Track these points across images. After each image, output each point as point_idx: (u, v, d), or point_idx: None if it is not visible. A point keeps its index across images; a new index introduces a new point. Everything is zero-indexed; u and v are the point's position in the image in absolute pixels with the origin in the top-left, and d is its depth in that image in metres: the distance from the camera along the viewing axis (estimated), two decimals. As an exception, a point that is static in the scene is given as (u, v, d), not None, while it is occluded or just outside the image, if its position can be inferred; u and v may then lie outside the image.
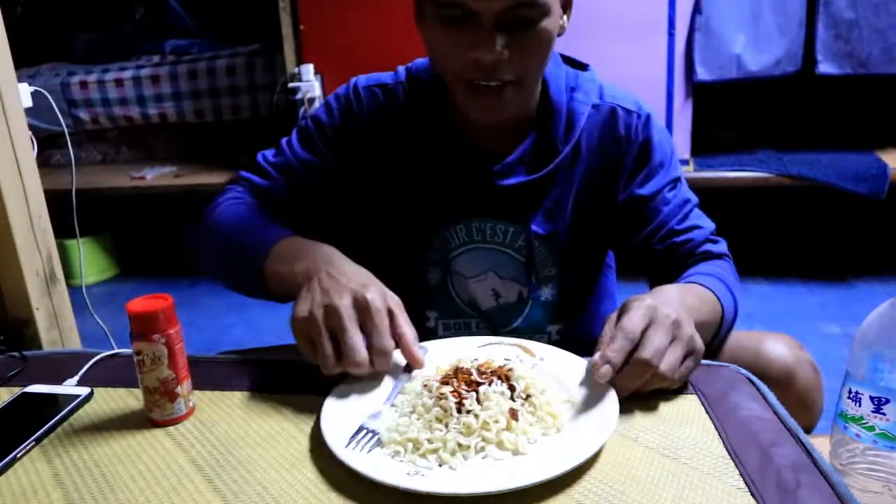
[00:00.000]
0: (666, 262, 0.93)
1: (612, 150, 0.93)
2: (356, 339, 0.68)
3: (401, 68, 0.99)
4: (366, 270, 0.76)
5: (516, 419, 0.63)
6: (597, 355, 0.68)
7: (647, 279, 0.98)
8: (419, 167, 0.94)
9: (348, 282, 0.71)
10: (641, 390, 0.68)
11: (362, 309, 0.69)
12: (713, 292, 0.84)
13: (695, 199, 0.97)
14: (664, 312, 0.68)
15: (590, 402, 0.67)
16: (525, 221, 0.93)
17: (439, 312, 0.99)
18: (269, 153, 1.00)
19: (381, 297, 0.71)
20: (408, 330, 0.71)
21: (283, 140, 1.00)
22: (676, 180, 0.95)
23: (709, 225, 0.96)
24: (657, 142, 0.94)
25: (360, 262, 0.79)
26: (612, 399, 0.66)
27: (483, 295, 0.97)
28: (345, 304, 0.69)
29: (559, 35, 0.85)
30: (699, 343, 0.70)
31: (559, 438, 0.63)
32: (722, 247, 0.95)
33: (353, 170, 0.97)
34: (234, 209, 0.92)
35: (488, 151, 0.92)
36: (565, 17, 0.87)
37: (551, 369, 0.73)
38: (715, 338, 0.85)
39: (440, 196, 0.94)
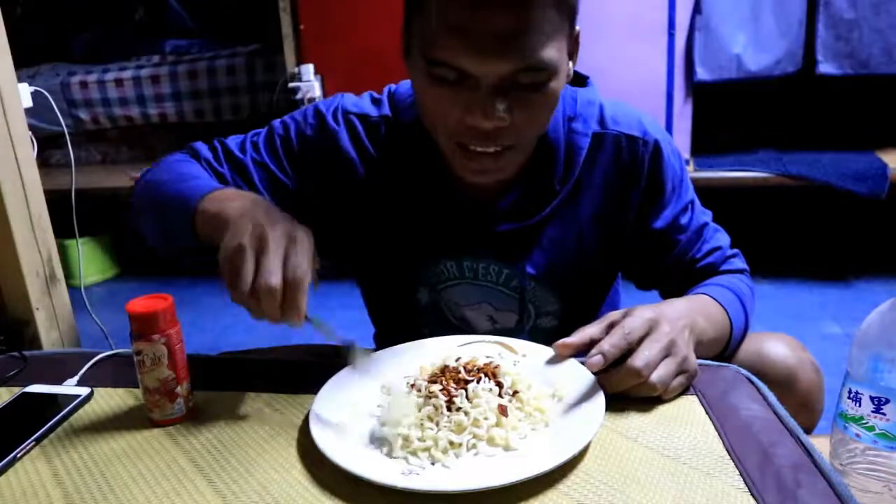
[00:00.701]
0: (685, 286, 0.91)
1: (617, 182, 0.87)
2: (275, 262, 0.63)
3: (385, 97, 0.92)
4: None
5: (506, 415, 0.64)
6: (573, 337, 0.71)
7: (661, 294, 0.97)
8: (401, 207, 0.89)
9: (280, 220, 0.67)
10: (629, 394, 0.68)
11: (290, 239, 0.65)
12: (723, 307, 0.83)
13: (709, 215, 0.94)
14: (664, 330, 0.69)
15: (576, 395, 0.67)
16: (520, 264, 0.88)
17: (430, 330, 0.95)
18: (233, 145, 0.92)
19: (308, 239, 0.66)
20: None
21: (250, 138, 0.93)
22: (690, 203, 0.91)
23: (725, 241, 0.94)
24: (667, 168, 0.88)
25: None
26: (598, 392, 0.66)
27: (478, 320, 0.94)
28: (275, 235, 0.64)
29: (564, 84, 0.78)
30: (693, 365, 0.71)
31: (548, 433, 0.64)
32: (740, 261, 0.94)
33: (323, 191, 0.91)
34: (176, 166, 0.86)
35: (479, 193, 0.87)
36: (571, 64, 0.78)
37: (534, 365, 0.74)
38: (724, 351, 0.84)
39: (427, 235, 0.89)
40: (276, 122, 0.93)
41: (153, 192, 0.83)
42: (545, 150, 0.85)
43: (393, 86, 0.93)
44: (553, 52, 0.70)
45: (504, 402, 0.65)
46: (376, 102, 0.92)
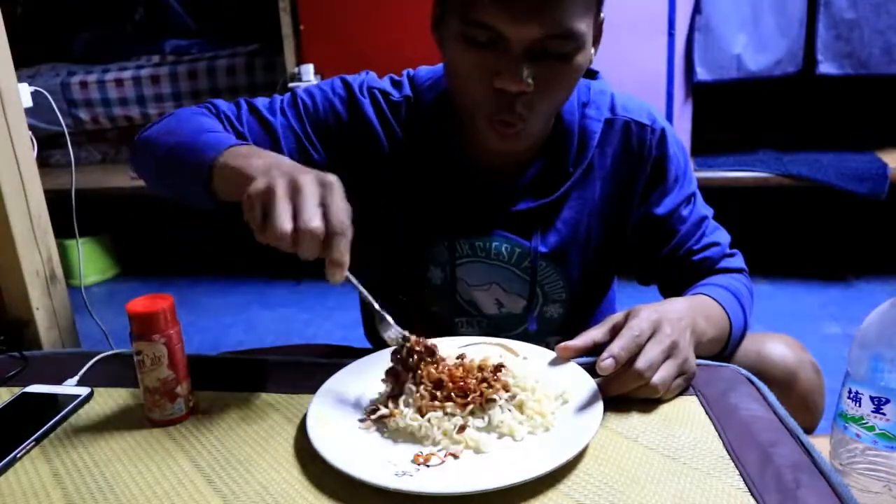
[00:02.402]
0: (682, 279, 0.92)
1: (625, 167, 0.90)
2: (313, 206, 0.60)
3: (405, 79, 0.93)
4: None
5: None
6: (576, 340, 0.71)
7: (660, 290, 0.98)
8: (420, 184, 0.90)
9: (310, 169, 0.64)
10: (630, 395, 0.69)
11: (323, 185, 0.61)
12: (723, 307, 0.84)
13: (710, 211, 0.95)
14: (666, 331, 0.69)
15: (576, 399, 0.67)
16: (532, 243, 0.90)
17: (440, 309, 0.96)
18: (261, 105, 0.90)
19: (340, 185, 0.62)
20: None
21: (278, 102, 0.91)
22: (692, 196, 0.93)
23: (724, 239, 0.95)
24: (672, 157, 0.91)
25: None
26: (597, 398, 0.66)
27: (486, 302, 0.95)
28: (307, 180, 0.61)
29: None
30: (692, 366, 0.72)
31: (546, 436, 0.64)
32: (738, 260, 0.95)
33: (347, 163, 0.90)
34: (192, 118, 0.83)
35: (497, 173, 0.89)
36: (593, 50, 0.82)
37: (535, 368, 0.74)
38: (723, 351, 0.85)
39: (442, 213, 0.90)
40: (301, 91, 0.93)
41: (163, 142, 0.80)
42: (561, 133, 0.88)
43: (411, 70, 0.95)
44: (582, 25, 0.74)
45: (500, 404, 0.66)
46: (396, 84, 0.94)
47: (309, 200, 0.60)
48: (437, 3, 0.81)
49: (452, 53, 0.78)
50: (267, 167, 0.65)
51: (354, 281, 0.67)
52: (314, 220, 0.59)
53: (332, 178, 0.63)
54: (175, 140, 0.78)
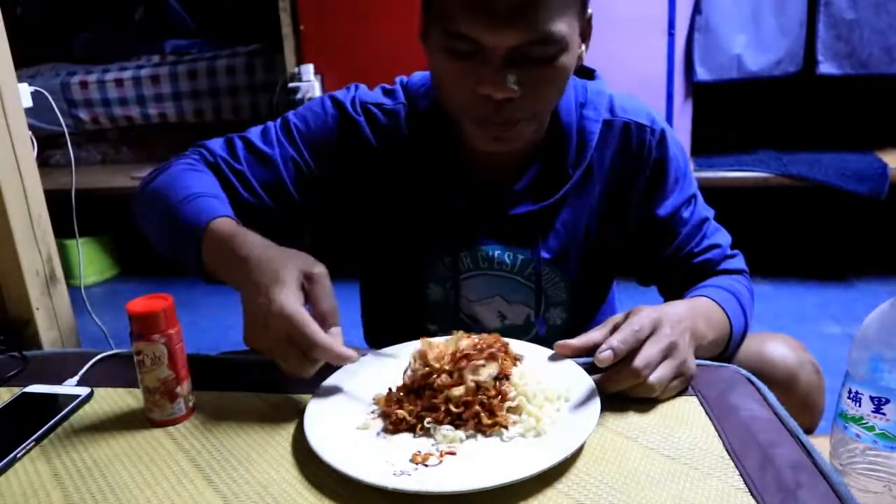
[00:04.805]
0: (683, 281, 0.92)
1: (625, 168, 0.90)
2: (297, 359, 0.66)
3: (398, 86, 0.94)
4: (283, 253, 0.70)
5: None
6: (576, 340, 0.71)
7: (660, 291, 0.98)
8: (420, 193, 0.90)
9: (288, 265, 0.67)
10: (627, 394, 0.69)
11: (283, 337, 0.65)
12: (723, 309, 0.84)
13: (711, 213, 0.95)
14: (665, 331, 0.69)
15: (574, 400, 0.67)
16: (534, 248, 0.90)
17: (439, 326, 0.95)
18: (256, 138, 0.90)
19: (290, 304, 0.64)
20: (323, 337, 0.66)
21: (272, 130, 0.91)
22: (692, 197, 0.93)
23: (725, 240, 0.94)
24: (672, 158, 0.90)
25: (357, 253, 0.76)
26: (595, 396, 0.66)
27: (488, 316, 0.94)
28: (272, 340, 0.65)
29: (577, 65, 0.81)
30: (691, 367, 0.72)
31: (546, 436, 0.63)
32: (739, 262, 0.95)
33: (346, 182, 0.92)
34: (183, 177, 0.84)
35: (495, 177, 0.88)
36: (583, 47, 0.82)
37: (530, 367, 0.73)
38: (723, 353, 0.85)
39: (443, 223, 0.90)
40: (292, 116, 0.93)
41: (157, 207, 0.83)
42: (558, 135, 0.87)
43: (404, 77, 0.95)
44: (563, 26, 0.73)
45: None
46: (389, 93, 0.93)
47: (292, 358, 0.66)
48: (422, 15, 0.82)
49: (436, 64, 0.79)
50: (237, 283, 0.70)
51: (371, 352, 0.73)
52: (300, 369, 0.66)
53: (315, 270, 0.69)
54: (164, 211, 0.81)
